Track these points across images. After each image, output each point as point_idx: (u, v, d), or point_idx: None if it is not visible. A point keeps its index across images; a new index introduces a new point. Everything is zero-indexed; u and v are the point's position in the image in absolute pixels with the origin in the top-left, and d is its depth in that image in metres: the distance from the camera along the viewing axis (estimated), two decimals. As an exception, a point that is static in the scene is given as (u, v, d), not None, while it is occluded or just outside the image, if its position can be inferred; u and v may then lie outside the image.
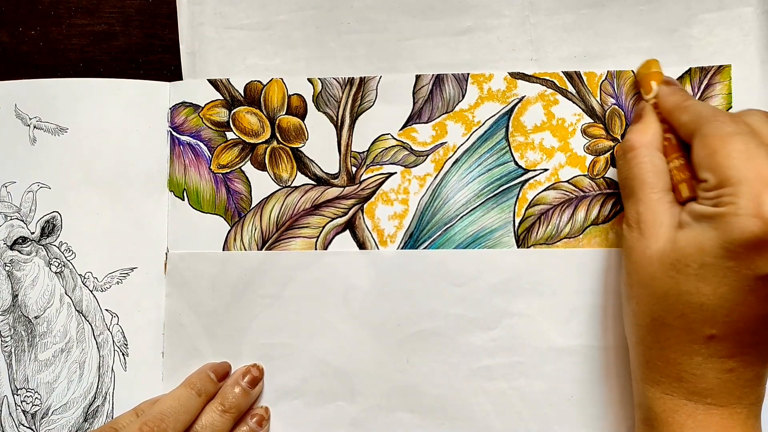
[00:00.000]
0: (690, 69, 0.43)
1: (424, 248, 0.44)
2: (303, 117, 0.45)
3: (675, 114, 0.38)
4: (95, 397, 0.44)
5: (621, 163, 0.40)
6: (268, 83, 0.45)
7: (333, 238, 0.45)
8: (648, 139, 0.39)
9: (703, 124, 0.36)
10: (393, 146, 0.45)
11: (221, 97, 0.46)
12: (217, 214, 0.45)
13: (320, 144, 0.45)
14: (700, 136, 0.36)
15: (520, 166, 0.44)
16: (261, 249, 0.45)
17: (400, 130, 0.45)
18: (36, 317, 0.45)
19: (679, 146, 0.38)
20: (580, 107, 0.44)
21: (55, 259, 0.45)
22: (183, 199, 0.45)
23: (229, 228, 0.45)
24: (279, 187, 0.45)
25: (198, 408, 0.42)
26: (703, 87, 0.43)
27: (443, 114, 0.45)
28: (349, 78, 0.45)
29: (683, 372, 0.36)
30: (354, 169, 0.45)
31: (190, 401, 0.42)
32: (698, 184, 0.36)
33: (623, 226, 0.39)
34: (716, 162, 0.34)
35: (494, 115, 0.44)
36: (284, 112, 0.45)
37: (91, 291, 0.45)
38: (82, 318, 0.45)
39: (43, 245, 0.45)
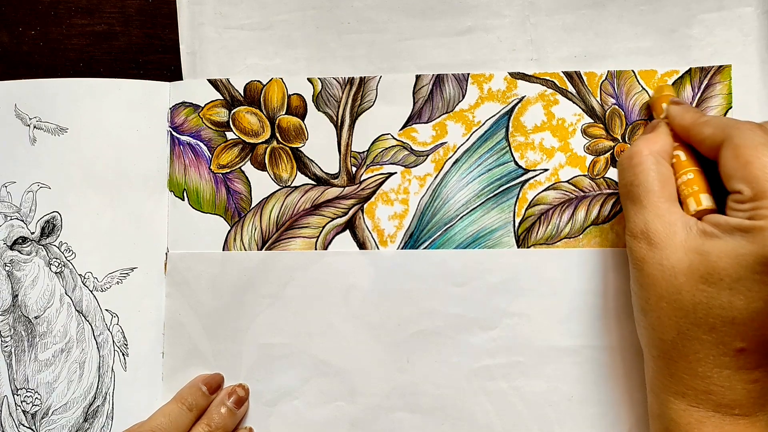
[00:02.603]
0: (690, 69, 0.43)
1: (424, 248, 0.44)
2: (303, 117, 0.45)
3: (695, 129, 0.37)
4: (95, 397, 0.44)
5: (625, 168, 0.38)
6: (267, 83, 0.45)
7: (333, 238, 0.45)
8: (656, 148, 0.38)
9: (733, 134, 0.35)
10: (393, 146, 0.45)
11: (221, 97, 0.46)
12: (217, 214, 0.45)
13: (320, 144, 0.45)
14: (730, 146, 0.35)
15: (520, 166, 0.44)
16: (261, 249, 0.45)
17: (400, 130, 0.45)
18: (36, 317, 0.45)
19: (689, 163, 0.38)
20: (580, 107, 0.44)
21: (55, 259, 0.45)
22: (183, 199, 0.45)
23: (229, 228, 0.45)
24: (279, 187, 0.45)
25: (188, 424, 0.42)
26: (703, 87, 0.43)
27: (443, 114, 0.45)
28: (349, 78, 0.45)
29: (712, 385, 0.35)
30: (354, 169, 0.45)
31: (180, 417, 0.42)
32: (729, 195, 0.35)
33: (626, 236, 0.38)
34: (751, 173, 0.33)
35: (494, 115, 0.44)
36: (284, 112, 0.45)
37: (91, 291, 0.45)
38: (82, 318, 0.45)
39: (43, 245, 0.45)
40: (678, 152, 0.38)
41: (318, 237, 0.45)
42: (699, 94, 0.43)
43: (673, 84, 0.43)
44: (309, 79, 0.45)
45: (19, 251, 0.45)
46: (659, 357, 0.37)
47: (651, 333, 0.37)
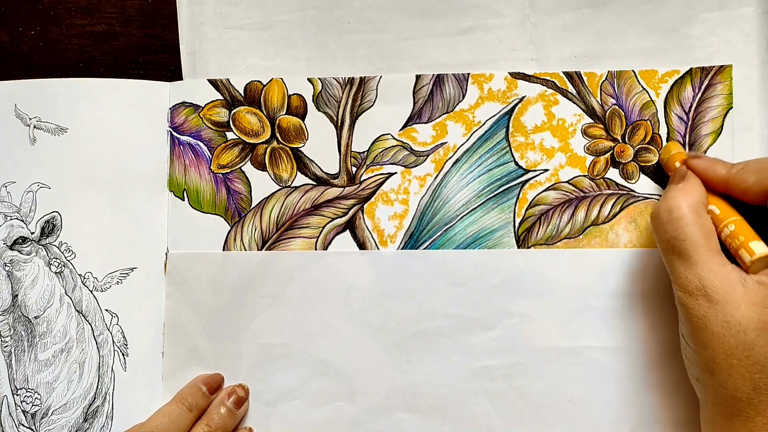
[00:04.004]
0: (691, 69, 0.43)
1: (424, 248, 0.44)
2: (303, 117, 0.45)
3: (735, 179, 0.37)
4: (95, 397, 0.44)
5: (665, 223, 0.37)
6: (268, 83, 0.45)
7: (333, 238, 0.45)
8: (695, 199, 0.37)
9: None
10: (393, 146, 0.45)
11: (221, 97, 0.46)
12: (217, 214, 0.45)
13: (320, 144, 0.45)
14: None
15: (520, 167, 0.44)
16: (261, 249, 0.45)
17: (401, 130, 0.45)
18: (36, 317, 0.45)
19: (726, 214, 0.37)
20: (580, 107, 0.44)
21: (55, 259, 0.45)
22: (183, 199, 0.45)
23: (229, 228, 0.45)
24: (279, 187, 0.45)
25: (188, 424, 0.43)
26: (703, 87, 0.43)
27: (443, 114, 0.44)
28: (349, 78, 0.45)
29: None
30: (354, 169, 0.45)
31: (180, 418, 0.42)
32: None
33: (678, 293, 0.36)
34: None
35: (494, 116, 0.44)
36: (284, 112, 0.45)
37: (91, 291, 0.45)
38: (82, 318, 0.45)
39: (43, 245, 0.45)
40: (711, 207, 0.38)
41: (318, 237, 0.45)
42: (699, 95, 0.43)
43: (673, 84, 0.43)
44: (309, 79, 0.45)
45: (19, 251, 0.45)
46: (732, 415, 0.35)
47: (721, 391, 0.35)
